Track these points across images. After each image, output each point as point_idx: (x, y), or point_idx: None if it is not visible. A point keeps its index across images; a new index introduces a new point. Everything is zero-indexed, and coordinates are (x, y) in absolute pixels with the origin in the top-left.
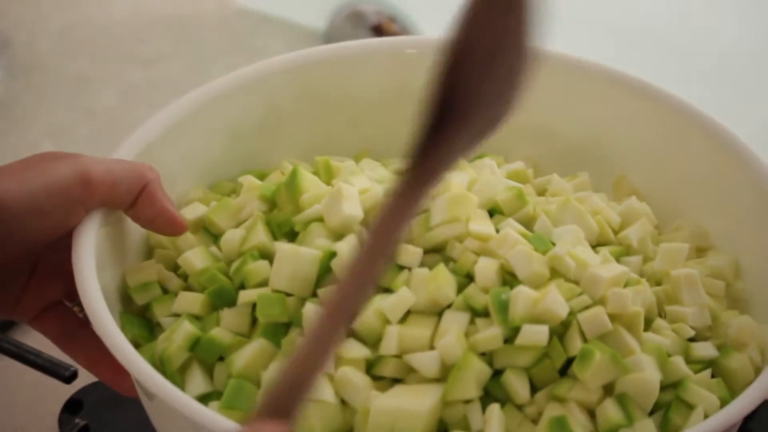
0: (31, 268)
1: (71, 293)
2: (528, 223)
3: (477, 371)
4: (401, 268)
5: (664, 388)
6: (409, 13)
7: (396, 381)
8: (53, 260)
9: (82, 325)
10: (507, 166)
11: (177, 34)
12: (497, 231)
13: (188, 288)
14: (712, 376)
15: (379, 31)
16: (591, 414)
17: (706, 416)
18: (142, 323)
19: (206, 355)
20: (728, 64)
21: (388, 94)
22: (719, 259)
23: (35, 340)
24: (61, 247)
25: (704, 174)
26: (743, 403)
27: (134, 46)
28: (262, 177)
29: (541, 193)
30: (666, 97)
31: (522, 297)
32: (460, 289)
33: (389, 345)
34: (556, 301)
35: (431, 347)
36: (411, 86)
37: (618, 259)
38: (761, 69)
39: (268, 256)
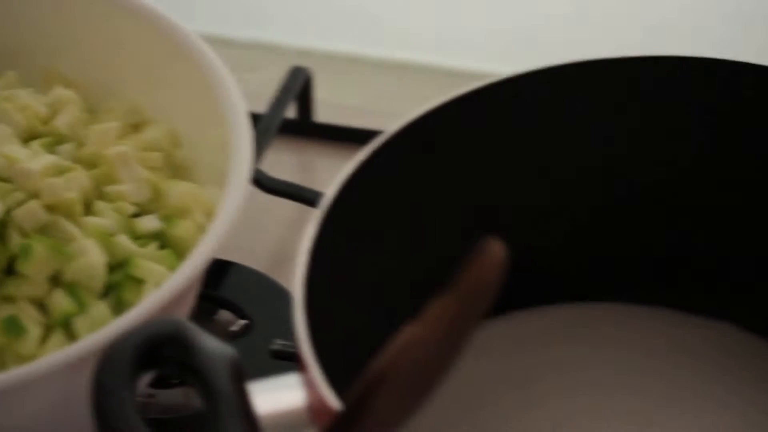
0: None
1: None
2: None
3: None
4: None
5: (113, 268)
6: None
7: None
8: None
9: None
10: None
11: None
12: None
13: None
14: (162, 248)
15: None
16: (43, 308)
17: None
18: None
19: None
20: None
21: None
22: (155, 132)
23: None
24: None
25: (132, 51)
26: (189, 267)
27: None
28: None
29: None
30: None
31: None
32: None
33: None
34: None
35: None
36: None
37: (50, 150)
38: None
39: None
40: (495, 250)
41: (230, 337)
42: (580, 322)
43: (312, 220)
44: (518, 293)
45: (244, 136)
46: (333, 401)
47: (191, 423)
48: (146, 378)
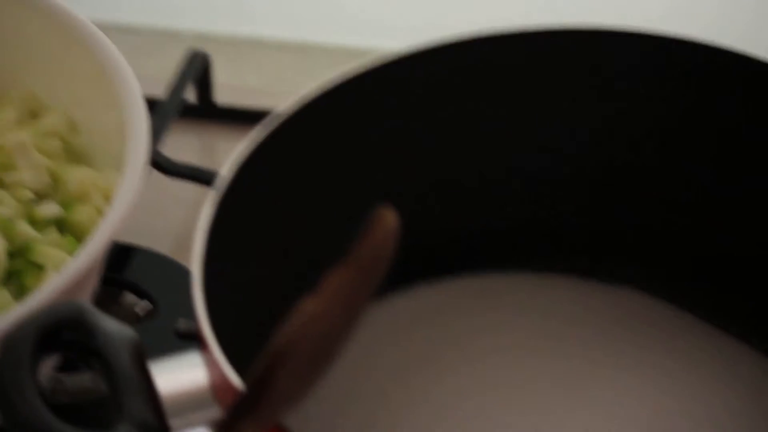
0: None
1: None
2: None
3: None
4: None
5: (13, 255)
6: None
7: None
8: None
9: None
10: None
11: None
12: None
13: None
14: (63, 234)
15: None
16: None
17: None
18: None
19: None
20: None
21: None
22: (52, 119)
23: None
24: None
25: (27, 39)
26: (88, 250)
27: None
28: None
29: None
30: None
31: None
32: None
33: None
34: None
35: None
36: None
37: None
38: None
39: None
40: (388, 220)
41: (136, 319)
42: (483, 292)
43: (208, 200)
44: (420, 265)
45: (140, 120)
46: (234, 379)
47: (101, 406)
48: (50, 362)
